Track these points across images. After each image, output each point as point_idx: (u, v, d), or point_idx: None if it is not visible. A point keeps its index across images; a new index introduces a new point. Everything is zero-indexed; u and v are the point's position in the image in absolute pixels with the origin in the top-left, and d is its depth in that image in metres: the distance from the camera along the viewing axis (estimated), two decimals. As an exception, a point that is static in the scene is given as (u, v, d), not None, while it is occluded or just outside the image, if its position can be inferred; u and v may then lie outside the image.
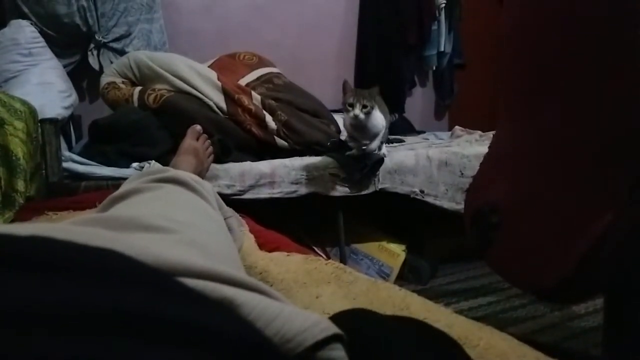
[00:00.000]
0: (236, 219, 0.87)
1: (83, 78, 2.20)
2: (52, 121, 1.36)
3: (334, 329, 0.29)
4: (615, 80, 0.57)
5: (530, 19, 0.71)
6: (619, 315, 0.73)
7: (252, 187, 1.44)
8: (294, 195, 1.48)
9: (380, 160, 1.52)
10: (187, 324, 0.22)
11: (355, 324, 0.31)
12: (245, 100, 1.63)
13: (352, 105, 1.33)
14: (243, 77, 1.83)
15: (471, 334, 0.47)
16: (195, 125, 1.24)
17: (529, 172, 0.73)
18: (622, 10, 0.54)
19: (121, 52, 2.12)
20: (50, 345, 0.18)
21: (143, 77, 1.72)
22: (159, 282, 0.27)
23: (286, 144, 1.63)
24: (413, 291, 0.62)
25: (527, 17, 0.72)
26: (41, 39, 1.81)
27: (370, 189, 1.53)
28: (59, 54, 1.92)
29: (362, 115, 1.33)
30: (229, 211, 0.85)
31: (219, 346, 0.22)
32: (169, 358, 0.20)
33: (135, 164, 1.43)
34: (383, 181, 1.54)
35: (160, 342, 0.20)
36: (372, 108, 1.35)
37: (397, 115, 2.64)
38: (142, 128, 1.52)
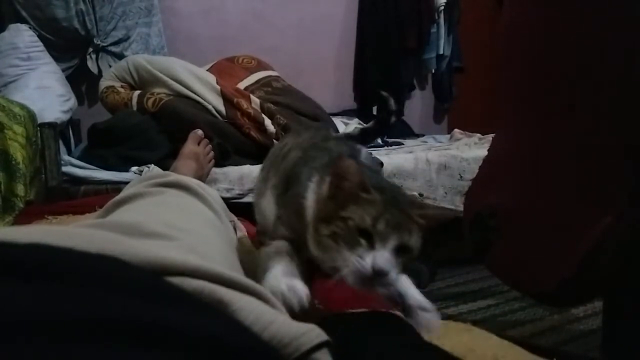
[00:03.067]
0: (237, 224, 0.87)
1: (82, 82, 2.20)
2: (51, 125, 1.36)
3: (325, 336, 0.30)
4: (613, 85, 0.57)
5: (530, 24, 0.72)
6: (618, 318, 0.73)
7: (251, 190, 1.44)
8: (293, 198, 1.47)
9: (379, 165, 1.52)
10: (184, 329, 0.22)
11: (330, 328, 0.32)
12: (244, 103, 1.63)
13: (371, 241, 0.45)
14: (242, 80, 1.84)
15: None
16: (196, 130, 1.24)
17: (529, 175, 0.73)
18: (622, 18, 0.55)
19: (120, 56, 2.13)
20: (48, 352, 0.18)
21: (142, 81, 1.72)
22: (156, 288, 0.27)
23: (285, 147, 1.63)
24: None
25: (527, 23, 0.72)
26: (40, 43, 1.82)
27: (370, 192, 1.53)
28: (57, 58, 1.92)
29: (392, 275, 0.45)
30: (230, 216, 0.85)
31: (219, 350, 0.22)
32: None
33: (134, 168, 1.43)
34: (382, 184, 1.54)
35: (157, 347, 0.21)
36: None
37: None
38: (141, 132, 1.52)
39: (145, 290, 0.26)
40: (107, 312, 0.21)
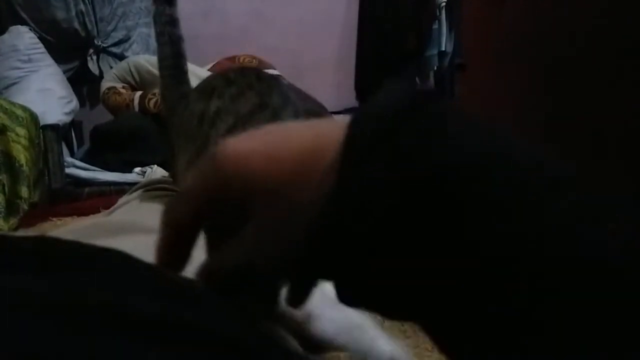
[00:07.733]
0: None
1: (83, 83, 2.19)
2: (53, 127, 1.36)
3: None
4: (615, 81, 0.57)
5: (534, 13, 0.71)
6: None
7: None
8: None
9: None
10: (200, 326, 0.22)
11: None
12: (246, 103, 1.63)
13: None
14: (243, 80, 1.84)
15: None
16: None
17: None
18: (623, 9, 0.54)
19: (120, 57, 2.12)
20: (56, 341, 0.18)
21: (143, 82, 1.72)
22: (168, 283, 0.27)
23: (288, 146, 1.63)
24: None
25: (531, 11, 0.72)
26: (41, 45, 1.81)
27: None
28: (58, 60, 1.92)
29: None
30: None
31: (231, 348, 0.22)
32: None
33: (137, 169, 1.43)
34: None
35: (170, 343, 0.20)
36: None
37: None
38: (143, 133, 1.53)
39: (160, 286, 0.25)
40: (125, 307, 0.21)
